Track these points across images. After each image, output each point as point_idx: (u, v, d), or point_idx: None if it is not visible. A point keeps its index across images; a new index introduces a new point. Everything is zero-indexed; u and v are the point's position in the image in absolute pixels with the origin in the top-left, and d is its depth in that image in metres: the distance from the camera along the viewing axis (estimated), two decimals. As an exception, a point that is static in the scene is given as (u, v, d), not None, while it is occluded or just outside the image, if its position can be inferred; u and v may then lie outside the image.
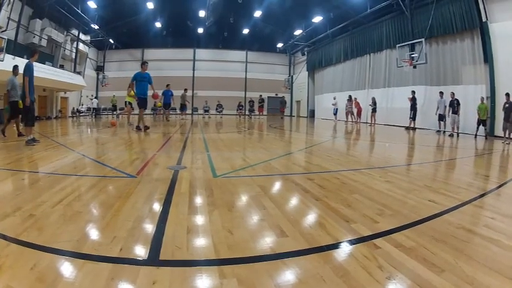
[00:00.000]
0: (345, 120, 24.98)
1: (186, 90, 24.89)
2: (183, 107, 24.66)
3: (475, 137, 14.08)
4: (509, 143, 11.97)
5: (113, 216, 3.12)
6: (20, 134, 10.06)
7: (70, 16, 23.05)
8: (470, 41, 16.69)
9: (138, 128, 12.84)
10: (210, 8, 26.10)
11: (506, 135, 12.46)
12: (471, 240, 2.84)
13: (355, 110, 23.98)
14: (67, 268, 2.11)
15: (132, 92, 16.87)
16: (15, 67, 10.14)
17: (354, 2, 22.88)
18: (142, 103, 12.89)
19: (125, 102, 18.18)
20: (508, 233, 3.00)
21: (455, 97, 15.26)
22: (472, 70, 16.58)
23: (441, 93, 16.53)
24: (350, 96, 24.52)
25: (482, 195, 4.48)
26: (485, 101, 14.45)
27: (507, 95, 12.66)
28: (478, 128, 14.32)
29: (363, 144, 11.92)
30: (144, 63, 13.10)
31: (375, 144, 11.76)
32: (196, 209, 3.49)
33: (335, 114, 26.35)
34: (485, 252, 2.58)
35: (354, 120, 24.28)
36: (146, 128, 12.93)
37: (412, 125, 18.46)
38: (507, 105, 12.51)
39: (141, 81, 12.63)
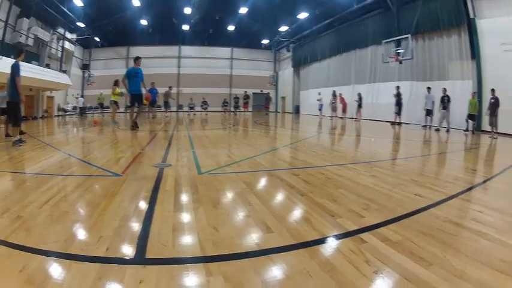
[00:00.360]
0: (330, 115, 25.05)
1: (170, 88, 24.81)
2: (166, 105, 24.54)
3: (466, 132, 14.28)
4: (496, 137, 12.16)
5: (99, 215, 3.09)
6: (7, 135, 9.99)
7: (56, 15, 22.73)
8: (457, 37, 16.88)
9: (135, 126, 12.40)
10: (196, 5, 25.93)
11: (494, 131, 12.66)
12: (459, 233, 2.84)
13: (340, 106, 24.08)
14: (55, 269, 2.10)
15: (117, 90, 16.67)
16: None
17: (339, -2, 22.89)
18: (137, 100, 12.44)
19: (110, 101, 17.69)
20: (497, 226, 3.01)
21: (447, 93, 15.39)
22: (459, 66, 16.78)
23: (429, 88, 16.68)
24: (334, 92, 24.62)
25: (469, 189, 4.50)
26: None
27: (492, 90, 12.86)
28: (467, 122, 14.55)
29: (348, 139, 11.94)
30: (137, 58, 12.44)
31: (360, 140, 11.80)
32: (182, 207, 3.47)
33: (320, 110, 26.41)
34: (474, 245, 2.58)
35: (336, 115, 24.41)
36: (135, 126, 12.46)
37: (397, 120, 18.60)
38: (492, 100, 12.71)
39: (134, 77, 12.10)
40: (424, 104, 16.69)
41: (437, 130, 15.05)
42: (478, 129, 14.75)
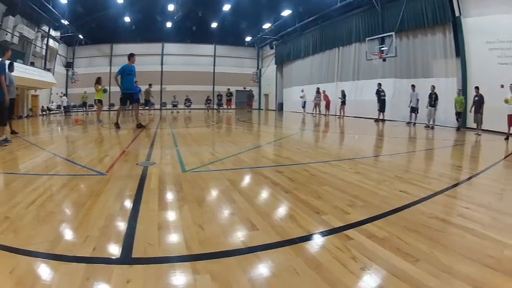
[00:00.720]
0: (313, 112, 25.16)
1: (150, 85, 24.72)
2: (148, 103, 24.50)
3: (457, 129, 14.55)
4: (480, 134, 12.36)
5: (85, 215, 3.07)
6: (13, 132, 10.27)
7: (41, 12, 22.41)
8: (441, 35, 17.10)
9: (140, 126, 12.24)
10: (180, 2, 25.76)
11: (479, 127, 12.84)
12: (446, 229, 2.86)
13: (323, 103, 24.20)
14: (44, 270, 2.10)
15: (99, 87, 16.43)
16: (11, 64, 10.16)
17: (324, -5, 22.95)
18: (129, 98, 12.25)
19: (94, 100, 17.43)
20: (484, 222, 3.04)
21: (435, 91, 15.58)
22: (443, 63, 17.03)
23: (413, 86, 16.96)
24: (318, 89, 24.73)
25: (455, 185, 4.55)
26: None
27: (477, 88, 13.09)
28: (458, 119, 14.77)
29: (332, 136, 12.01)
30: (132, 55, 12.11)
31: (344, 137, 11.89)
32: (167, 205, 3.46)
33: (303, 107, 26.53)
34: (461, 241, 2.60)
35: (320, 112, 24.53)
36: (141, 125, 12.30)
37: (381, 117, 18.78)
38: (476, 98, 12.91)
39: (128, 74, 11.86)
40: (409, 101, 16.92)
41: (426, 127, 15.21)
42: (463, 127, 14.99)
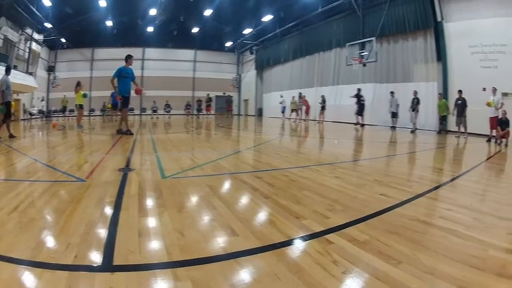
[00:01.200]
0: (294, 118, 25.31)
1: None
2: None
3: (443, 133, 14.94)
4: (466, 137, 12.69)
5: (66, 222, 3.03)
6: (11, 136, 10.45)
7: (25, 14, 22.16)
8: (423, 39, 17.43)
9: (124, 132, 11.82)
10: (162, 6, 25.71)
11: (461, 130, 13.20)
12: (427, 231, 2.87)
13: (304, 108, 24.35)
14: (28, 278, 2.08)
15: (80, 92, 16.15)
16: (8, 67, 10.67)
17: (305, 1, 23.14)
18: (126, 102, 11.86)
19: (76, 105, 16.94)
20: (466, 223, 3.08)
21: (417, 96, 15.89)
22: (424, 68, 17.38)
23: (392, 92, 17.34)
24: (300, 94, 24.86)
25: (436, 188, 4.60)
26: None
27: (459, 91, 13.42)
28: (442, 123, 15.15)
29: (312, 141, 12.08)
30: (129, 57, 11.80)
31: (324, 141, 11.97)
32: (147, 212, 3.43)
33: (283, 112, 26.66)
34: (444, 242, 2.61)
35: (300, 117, 24.69)
36: (128, 132, 11.89)
37: (361, 121, 19.03)
38: (459, 101, 13.23)
39: (125, 77, 11.51)
40: (389, 107, 17.21)
41: (412, 132, 15.53)
42: (444, 130, 15.34)
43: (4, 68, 11.14)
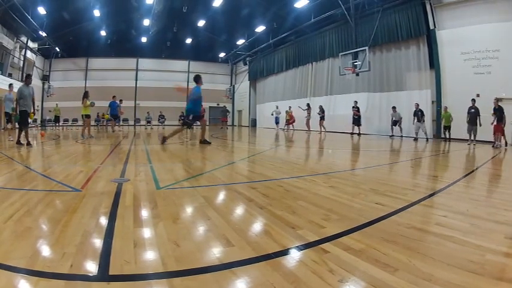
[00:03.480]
0: (286, 128, 25.50)
1: (121, 101, 24.60)
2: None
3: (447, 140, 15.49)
4: (475, 145, 13.12)
5: (61, 231, 3.02)
6: (28, 143, 10.93)
7: (21, 22, 22.39)
8: (415, 48, 17.68)
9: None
10: (155, 17, 25.87)
11: (472, 138, 13.65)
12: (424, 238, 2.88)
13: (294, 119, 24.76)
14: (24, 286, 2.09)
15: (87, 102, 16.22)
16: (28, 76, 11.08)
17: (298, 11, 23.41)
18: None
19: (82, 115, 16.97)
20: (463, 229, 3.09)
21: (420, 107, 16.25)
22: (417, 76, 17.64)
23: (394, 108, 17.74)
24: (308, 105, 24.27)
25: (431, 195, 4.62)
26: (448, 110, 15.62)
27: (473, 100, 13.75)
28: (445, 132, 15.81)
29: (306, 151, 12.11)
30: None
31: (318, 151, 12.01)
32: (142, 222, 3.42)
33: (277, 123, 26.76)
34: (441, 248, 2.62)
35: (293, 128, 25.02)
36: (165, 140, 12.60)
37: (356, 131, 19.34)
38: (472, 110, 13.54)
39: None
40: (391, 117, 17.56)
41: (415, 140, 15.95)
42: (438, 136, 15.86)
43: (5, 75, 11.84)
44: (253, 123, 35.34)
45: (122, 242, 2.79)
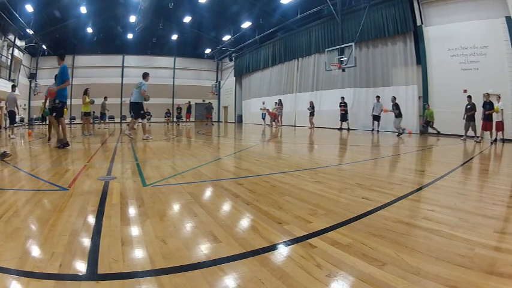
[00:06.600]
0: (271, 124, 25.59)
1: (105, 98, 24.53)
2: (102, 116, 24.50)
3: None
4: (479, 141, 13.24)
5: (50, 231, 2.99)
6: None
7: (8, 20, 22.09)
8: (402, 44, 17.80)
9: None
10: (141, 13, 25.70)
11: (468, 134, 13.85)
12: (411, 233, 2.89)
13: (279, 114, 24.86)
14: (15, 287, 2.08)
15: (87, 99, 16.05)
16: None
17: (284, 7, 23.42)
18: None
19: (81, 113, 17.10)
20: (450, 223, 3.11)
21: (396, 101, 16.25)
22: (403, 72, 17.78)
23: (378, 97, 17.82)
24: (280, 100, 25.18)
25: (418, 190, 4.66)
26: (430, 107, 15.93)
27: (469, 97, 13.89)
28: (427, 127, 16.25)
29: (292, 147, 12.11)
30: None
31: (305, 147, 12.03)
32: (129, 220, 3.39)
33: (263, 118, 26.81)
34: (428, 242, 2.63)
35: (280, 123, 25.08)
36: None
37: (344, 127, 19.58)
38: (468, 106, 13.77)
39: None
40: (372, 110, 17.57)
41: (398, 135, 15.98)
42: (425, 132, 16.27)
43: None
44: (239, 119, 35.34)
45: (110, 241, 2.78)
